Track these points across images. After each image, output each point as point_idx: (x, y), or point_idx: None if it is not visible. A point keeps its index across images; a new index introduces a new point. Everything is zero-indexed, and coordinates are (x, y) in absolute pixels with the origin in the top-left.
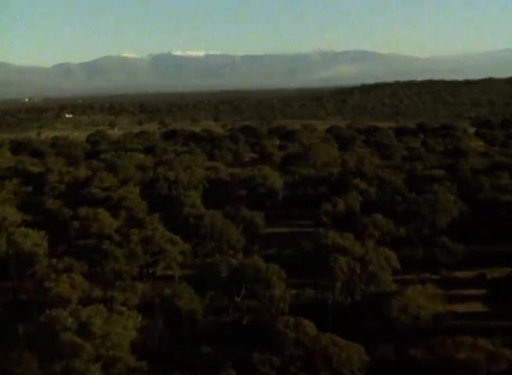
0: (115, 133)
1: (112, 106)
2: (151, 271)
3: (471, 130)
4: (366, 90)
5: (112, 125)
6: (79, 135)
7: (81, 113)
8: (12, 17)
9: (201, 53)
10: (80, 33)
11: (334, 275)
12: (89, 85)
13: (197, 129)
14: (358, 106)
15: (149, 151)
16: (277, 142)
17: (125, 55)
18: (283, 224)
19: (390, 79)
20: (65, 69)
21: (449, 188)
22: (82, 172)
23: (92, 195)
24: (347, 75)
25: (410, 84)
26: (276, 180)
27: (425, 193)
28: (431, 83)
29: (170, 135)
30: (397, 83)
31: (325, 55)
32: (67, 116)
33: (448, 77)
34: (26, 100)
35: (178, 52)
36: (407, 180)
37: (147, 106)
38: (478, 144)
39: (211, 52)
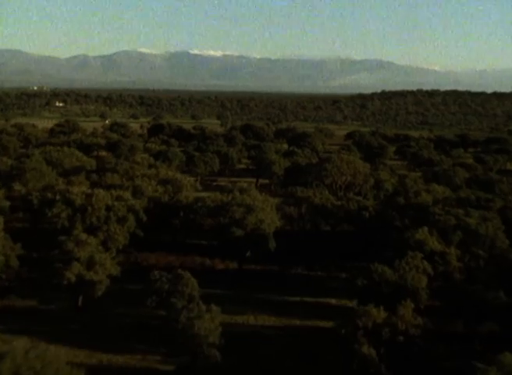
0: (104, 125)
1: (109, 97)
2: None
3: None
4: (386, 96)
5: (102, 116)
6: (47, 124)
7: (74, 103)
8: (30, 6)
9: (219, 53)
10: (99, 26)
11: None
12: (104, 78)
13: (190, 125)
14: (379, 112)
15: (112, 148)
16: (284, 146)
17: (142, 50)
18: (272, 320)
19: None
20: (81, 61)
21: None
22: None
23: None
24: (364, 83)
25: (433, 93)
26: (268, 214)
27: None
28: (456, 94)
29: (155, 130)
30: (420, 92)
31: (342, 63)
32: (58, 104)
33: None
34: (35, 88)
35: (196, 51)
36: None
37: (146, 99)
38: None
39: (229, 53)
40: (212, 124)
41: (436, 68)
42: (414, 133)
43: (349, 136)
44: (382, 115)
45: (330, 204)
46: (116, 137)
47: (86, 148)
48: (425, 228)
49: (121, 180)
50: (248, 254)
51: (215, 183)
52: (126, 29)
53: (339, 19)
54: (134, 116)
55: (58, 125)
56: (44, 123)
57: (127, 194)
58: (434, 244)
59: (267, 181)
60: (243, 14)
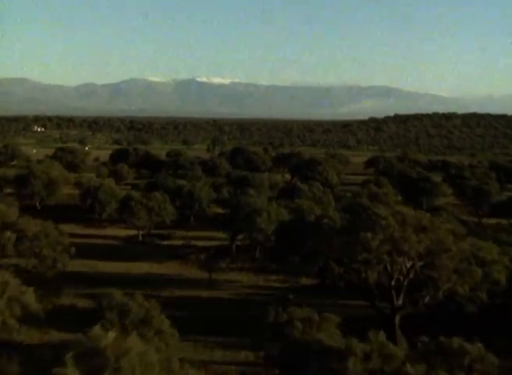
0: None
1: (95, 121)
2: None
3: None
4: (400, 120)
5: (81, 142)
6: None
7: (55, 127)
8: (38, 35)
9: (227, 81)
10: (106, 54)
11: None
12: (111, 106)
13: (166, 151)
14: (397, 135)
15: (19, 181)
16: (286, 177)
17: (150, 78)
18: None
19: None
20: (89, 90)
21: None
22: None
23: None
24: (372, 110)
25: (450, 116)
26: None
27: None
28: (477, 116)
29: (118, 157)
30: (436, 115)
31: (349, 90)
32: (37, 129)
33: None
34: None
35: (203, 79)
36: None
37: (136, 123)
38: None
39: (237, 80)
40: (202, 150)
41: (444, 94)
42: (450, 159)
43: (370, 163)
44: (401, 138)
45: None
46: (39, 168)
47: None
48: None
49: None
50: None
51: (164, 243)
52: (133, 57)
53: (346, 46)
54: (118, 142)
55: None
56: None
57: None
58: None
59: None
60: (251, 42)
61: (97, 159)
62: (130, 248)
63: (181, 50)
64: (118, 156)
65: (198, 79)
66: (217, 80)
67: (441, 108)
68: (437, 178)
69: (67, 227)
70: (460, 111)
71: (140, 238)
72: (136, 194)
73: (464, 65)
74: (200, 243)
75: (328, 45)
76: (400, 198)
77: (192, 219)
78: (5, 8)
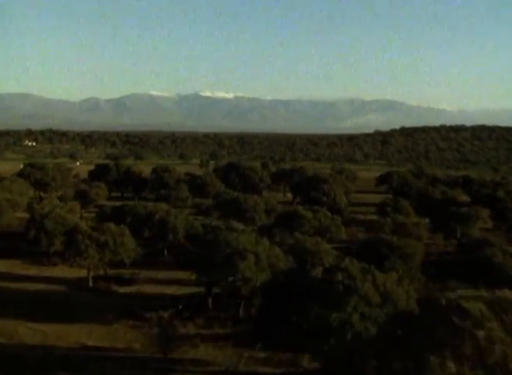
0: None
1: (89, 135)
2: None
3: None
4: (407, 132)
5: (73, 157)
6: None
7: (47, 142)
8: (41, 50)
9: (230, 95)
10: (110, 69)
11: None
12: (115, 121)
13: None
14: (405, 149)
15: None
16: (287, 195)
17: (153, 93)
18: None
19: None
20: (92, 105)
21: None
22: None
23: None
24: (375, 124)
25: (459, 129)
26: None
27: None
28: (487, 129)
29: (98, 174)
30: (443, 127)
31: (353, 103)
32: (28, 143)
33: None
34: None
35: (207, 93)
36: None
37: (132, 137)
38: None
39: (240, 95)
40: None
41: (447, 107)
42: (467, 173)
43: (382, 179)
44: (410, 152)
45: None
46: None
47: None
48: None
49: None
50: None
51: (122, 290)
52: (136, 72)
53: (350, 60)
54: (110, 157)
55: None
56: None
57: None
58: None
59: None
60: (255, 56)
61: (76, 176)
62: (75, 297)
63: (184, 64)
64: (97, 173)
65: (202, 93)
66: (220, 95)
67: (445, 121)
68: (462, 197)
69: (5, 264)
70: (468, 124)
71: (91, 283)
72: (85, 225)
73: (466, 79)
74: (170, 289)
75: (331, 60)
76: (424, 221)
77: (166, 254)
78: (8, 23)
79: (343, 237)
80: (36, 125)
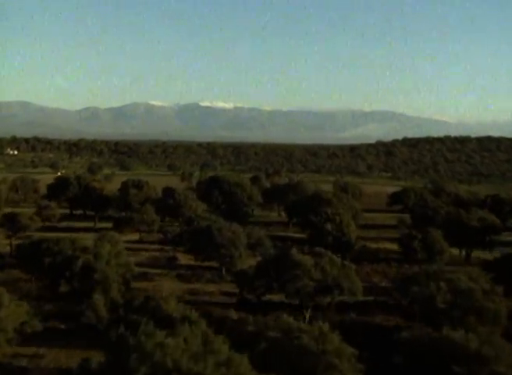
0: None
1: (76, 144)
2: None
3: None
4: (410, 143)
5: (54, 167)
6: None
7: (29, 150)
8: (40, 59)
9: (230, 105)
10: (109, 78)
11: None
12: (114, 130)
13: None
14: (411, 161)
15: None
16: (281, 215)
17: (152, 102)
18: None
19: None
20: (92, 114)
21: None
22: None
23: None
24: (375, 135)
25: (464, 140)
26: None
27: None
28: (495, 140)
29: (58, 189)
30: (448, 138)
31: (353, 114)
32: (9, 151)
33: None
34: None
35: (206, 103)
36: None
37: (121, 146)
38: None
39: (240, 105)
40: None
41: (447, 119)
42: (482, 188)
43: (396, 197)
44: (417, 164)
45: None
46: None
47: None
48: None
49: None
50: None
51: None
52: (136, 81)
53: (350, 71)
54: (91, 168)
55: None
56: None
57: None
58: None
59: None
60: (254, 66)
61: (36, 191)
62: None
63: (184, 74)
64: (56, 189)
65: (201, 103)
66: (220, 105)
67: (446, 132)
68: (496, 222)
69: None
70: (471, 135)
71: None
72: None
73: (467, 91)
74: None
75: (331, 71)
76: (501, 289)
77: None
78: (6, 31)
79: (359, 296)
80: (34, 134)
